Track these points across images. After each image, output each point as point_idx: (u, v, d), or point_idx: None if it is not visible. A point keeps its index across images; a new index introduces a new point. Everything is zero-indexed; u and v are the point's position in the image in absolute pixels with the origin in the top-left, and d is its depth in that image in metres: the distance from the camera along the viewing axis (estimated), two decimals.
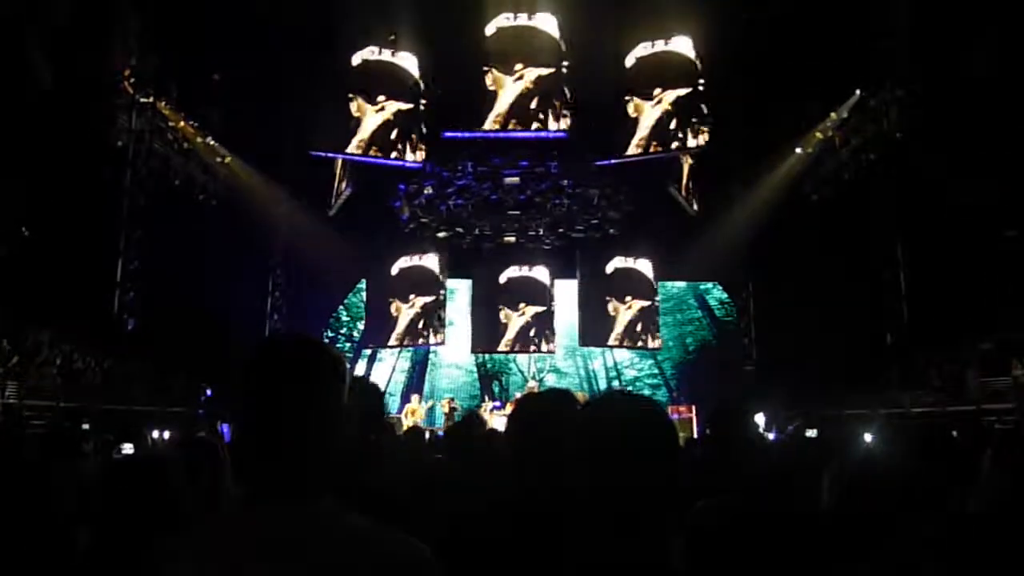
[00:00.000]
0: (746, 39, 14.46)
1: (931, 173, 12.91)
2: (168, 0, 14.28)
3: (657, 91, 15.08)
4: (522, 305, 17.69)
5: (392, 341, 17.88)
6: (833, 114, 15.88)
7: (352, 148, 15.11)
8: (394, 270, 17.91)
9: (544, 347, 17.87)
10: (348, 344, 18.71)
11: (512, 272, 17.94)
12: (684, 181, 16.36)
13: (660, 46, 15.22)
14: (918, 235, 14.00)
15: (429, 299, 17.61)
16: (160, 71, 14.97)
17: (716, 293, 20.21)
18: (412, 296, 17.64)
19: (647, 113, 15.06)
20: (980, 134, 11.78)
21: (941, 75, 12.75)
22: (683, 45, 15.17)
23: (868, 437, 5.92)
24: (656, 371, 19.69)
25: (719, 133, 15.41)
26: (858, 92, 15.19)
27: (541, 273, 18.14)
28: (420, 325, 17.55)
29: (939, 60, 12.77)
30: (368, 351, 18.98)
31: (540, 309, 17.74)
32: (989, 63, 11.30)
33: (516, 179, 16.51)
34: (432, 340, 17.86)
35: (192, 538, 1.24)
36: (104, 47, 13.56)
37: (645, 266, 18.05)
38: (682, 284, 20.25)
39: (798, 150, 16.88)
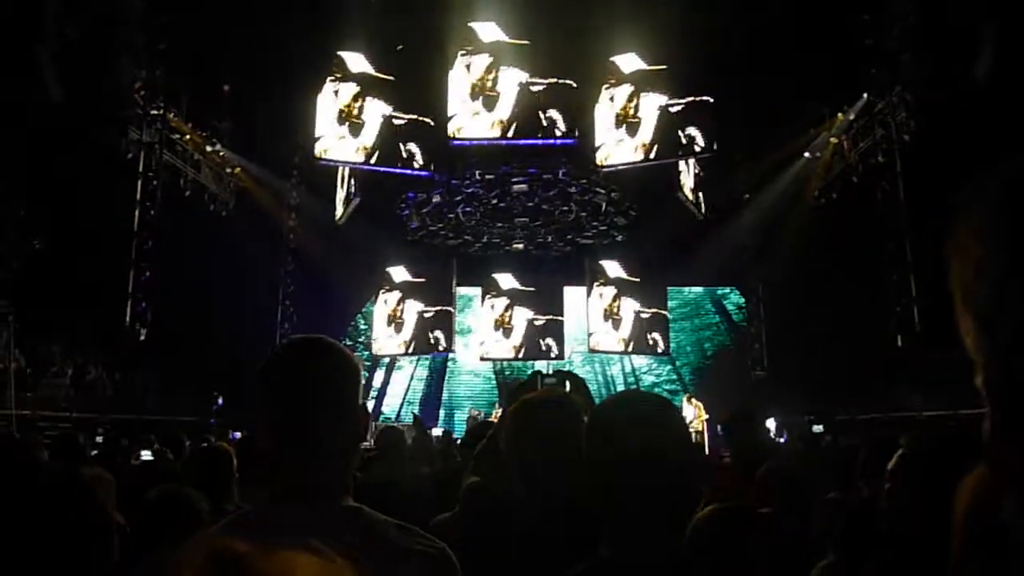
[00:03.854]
0: (752, 42, 14.43)
1: (939, 176, 12.87)
2: (177, 12, 14.40)
3: (659, 95, 14.86)
4: (532, 312, 17.69)
5: (404, 349, 17.91)
6: (840, 115, 15.88)
7: (359, 157, 15.11)
8: (405, 278, 17.96)
9: (554, 354, 17.85)
10: (367, 352, 18.73)
11: (522, 279, 17.95)
12: (691, 185, 16.30)
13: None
14: (927, 237, 13.93)
15: (440, 307, 17.63)
16: (170, 82, 15.09)
17: (734, 298, 20.18)
18: (423, 304, 17.68)
19: (652, 117, 14.92)
20: (987, 138, 11.74)
21: (948, 79, 12.72)
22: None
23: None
24: (675, 376, 19.68)
25: (726, 137, 15.37)
26: (865, 96, 15.17)
27: (551, 280, 18.15)
28: (432, 333, 17.57)
29: (947, 64, 12.74)
30: (386, 360, 19.02)
31: (550, 316, 17.73)
32: (994, 68, 11.26)
33: (524, 186, 16.49)
34: (444, 348, 17.88)
35: (216, 537, 1.25)
36: (114, 60, 13.68)
37: (647, 273, 17.97)
38: (699, 289, 20.25)
39: (806, 154, 16.88)
